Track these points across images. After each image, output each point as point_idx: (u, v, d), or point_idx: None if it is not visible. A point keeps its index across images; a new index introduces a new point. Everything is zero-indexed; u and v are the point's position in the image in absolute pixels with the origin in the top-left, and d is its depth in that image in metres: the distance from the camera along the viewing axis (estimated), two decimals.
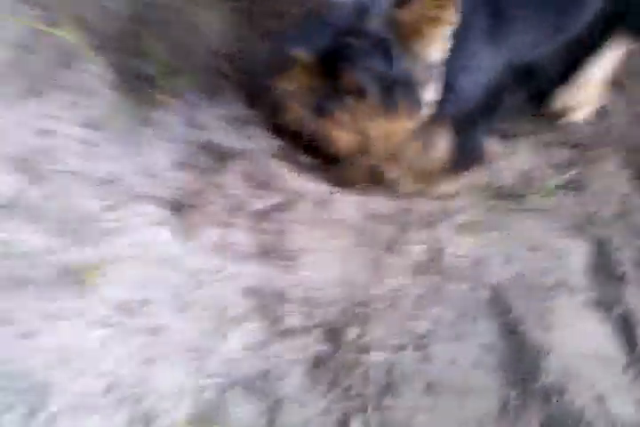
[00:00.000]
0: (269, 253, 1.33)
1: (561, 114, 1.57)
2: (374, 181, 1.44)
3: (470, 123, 1.29)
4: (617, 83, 1.63)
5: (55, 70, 1.42)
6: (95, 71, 1.45)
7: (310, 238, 1.37)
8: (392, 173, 1.42)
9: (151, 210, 1.31)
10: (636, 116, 1.64)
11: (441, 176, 1.38)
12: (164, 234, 1.29)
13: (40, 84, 1.39)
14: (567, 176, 1.51)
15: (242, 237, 1.34)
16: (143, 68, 1.48)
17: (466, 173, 1.42)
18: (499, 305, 1.32)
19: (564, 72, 1.43)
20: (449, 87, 1.19)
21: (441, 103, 1.20)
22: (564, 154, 1.57)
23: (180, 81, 1.48)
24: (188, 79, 1.49)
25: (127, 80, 1.47)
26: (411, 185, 1.42)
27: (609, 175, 1.53)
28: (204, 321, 1.21)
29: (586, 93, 1.55)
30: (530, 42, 1.28)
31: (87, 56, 1.45)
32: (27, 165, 1.28)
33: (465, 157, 1.35)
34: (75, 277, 1.16)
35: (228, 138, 1.45)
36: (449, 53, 1.14)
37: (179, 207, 1.34)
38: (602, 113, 1.64)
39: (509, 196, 1.49)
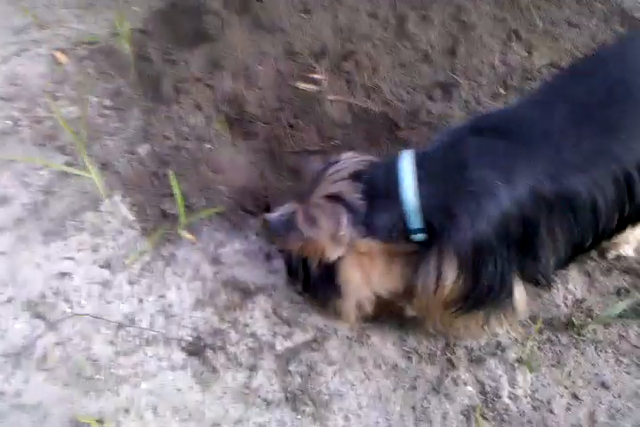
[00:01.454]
0: (297, 398, 1.18)
1: (609, 247, 1.43)
2: (394, 313, 1.32)
3: (485, 254, 1.06)
4: None
5: (78, 213, 1.43)
6: (118, 212, 1.45)
7: (343, 380, 1.22)
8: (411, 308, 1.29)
9: (169, 353, 1.21)
10: None
11: (460, 313, 1.15)
12: (183, 379, 1.18)
13: (62, 227, 1.39)
14: (627, 304, 1.35)
15: (267, 380, 1.20)
16: (167, 208, 1.48)
17: (479, 311, 1.16)
18: None
19: (617, 212, 1.06)
20: (448, 213, 1.04)
21: (442, 231, 1.05)
22: (619, 280, 1.42)
23: (203, 218, 1.46)
24: (212, 216, 1.47)
25: (150, 220, 1.47)
26: (436, 322, 1.24)
27: None
28: None
29: (635, 230, 1.31)
30: (562, 166, 1.02)
31: (111, 198, 1.46)
32: (42, 310, 1.23)
33: (479, 293, 1.09)
34: None
35: (251, 273, 1.38)
36: (444, 176, 1.06)
37: (199, 349, 1.23)
38: None
39: (566, 327, 1.33)
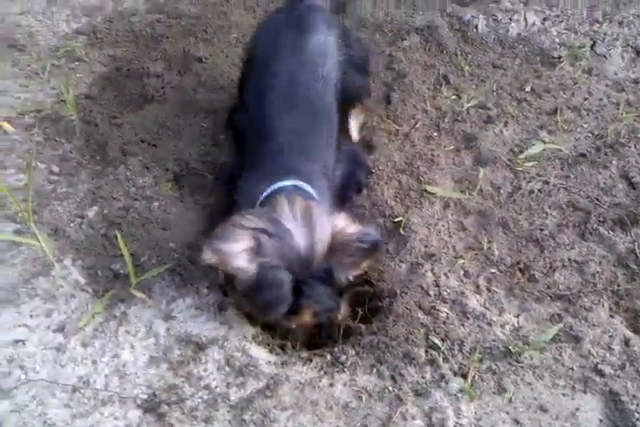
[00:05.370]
0: None
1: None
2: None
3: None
4: None
5: (30, 279, 1.47)
6: (69, 276, 1.49)
7: (297, 425, 1.27)
8: None
9: (124, 412, 1.24)
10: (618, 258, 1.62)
11: None
12: None
13: (15, 295, 1.42)
14: (559, 328, 1.44)
15: None
16: (118, 268, 1.53)
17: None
18: None
19: None
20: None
21: None
22: (552, 307, 1.51)
23: (155, 276, 1.51)
24: (164, 273, 1.52)
25: (102, 281, 1.51)
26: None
27: (603, 323, 1.47)
28: None
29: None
30: None
31: (61, 263, 1.51)
32: None
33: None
34: None
35: (203, 326, 1.43)
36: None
37: (154, 406, 1.27)
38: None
39: (504, 354, 1.41)
